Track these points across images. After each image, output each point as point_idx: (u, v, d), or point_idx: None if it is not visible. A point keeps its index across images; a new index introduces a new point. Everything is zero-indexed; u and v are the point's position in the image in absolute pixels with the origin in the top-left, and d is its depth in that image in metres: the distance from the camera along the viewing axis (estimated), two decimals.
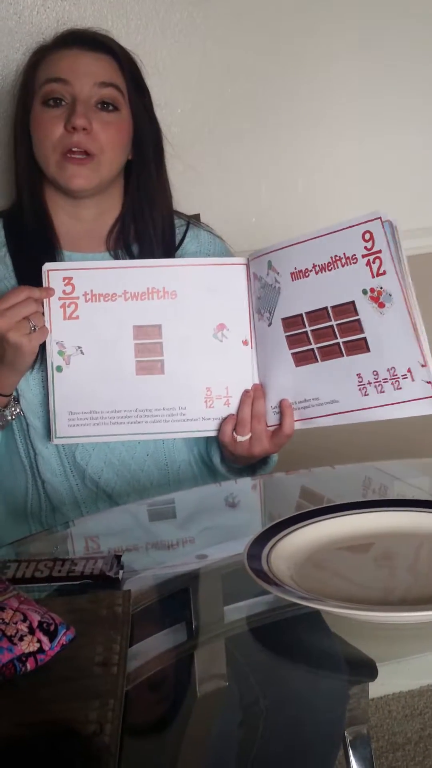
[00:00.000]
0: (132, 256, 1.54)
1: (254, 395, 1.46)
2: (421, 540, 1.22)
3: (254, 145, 2.13)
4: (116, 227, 1.56)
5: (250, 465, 1.56)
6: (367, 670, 1.08)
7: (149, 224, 1.55)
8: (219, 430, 1.47)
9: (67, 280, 1.44)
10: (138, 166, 1.55)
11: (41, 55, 1.53)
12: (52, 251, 1.51)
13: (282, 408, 1.45)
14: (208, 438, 1.56)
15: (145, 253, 1.54)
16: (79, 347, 1.45)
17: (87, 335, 1.45)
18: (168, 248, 1.56)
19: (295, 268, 1.41)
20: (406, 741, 2.09)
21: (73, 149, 1.45)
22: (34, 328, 1.39)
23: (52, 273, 1.44)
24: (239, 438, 1.46)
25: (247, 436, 1.46)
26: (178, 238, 1.59)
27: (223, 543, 1.38)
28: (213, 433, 1.48)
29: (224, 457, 1.55)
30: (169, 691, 1.03)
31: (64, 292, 1.44)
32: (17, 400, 1.47)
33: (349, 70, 2.16)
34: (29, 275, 1.46)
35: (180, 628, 1.15)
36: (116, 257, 1.55)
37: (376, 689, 2.03)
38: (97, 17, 1.94)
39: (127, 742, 0.83)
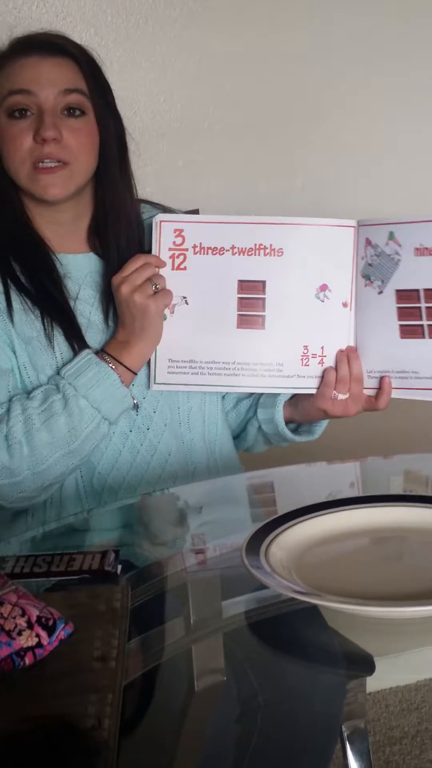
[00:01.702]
0: (109, 252, 1.54)
1: (350, 357, 1.49)
2: (418, 535, 1.22)
3: (253, 139, 2.13)
4: (93, 227, 1.56)
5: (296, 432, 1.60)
6: (364, 664, 1.08)
7: (121, 221, 1.55)
8: (318, 391, 1.50)
9: (177, 232, 1.48)
10: (104, 164, 1.53)
11: None
12: (43, 252, 1.50)
13: (382, 385, 1.48)
14: (264, 401, 1.59)
15: (115, 250, 1.54)
16: (184, 297, 1.49)
17: (193, 286, 1.49)
18: (133, 239, 1.56)
19: (421, 245, 1.43)
20: (403, 735, 2.10)
21: (45, 160, 1.44)
22: (156, 287, 1.44)
23: (165, 224, 1.48)
24: (340, 396, 1.49)
25: (346, 395, 1.49)
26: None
27: (222, 538, 1.38)
28: (313, 391, 1.51)
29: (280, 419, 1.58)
30: (167, 686, 1.03)
31: (174, 243, 1.48)
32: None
33: (349, 63, 2.16)
34: (20, 281, 1.47)
35: (178, 622, 1.16)
36: (98, 255, 1.55)
37: (373, 684, 2.02)
38: (96, 12, 1.94)
39: (125, 737, 0.84)
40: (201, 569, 1.30)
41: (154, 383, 1.50)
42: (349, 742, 1.35)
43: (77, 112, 1.46)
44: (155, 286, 1.44)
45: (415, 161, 2.24)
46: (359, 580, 1.13)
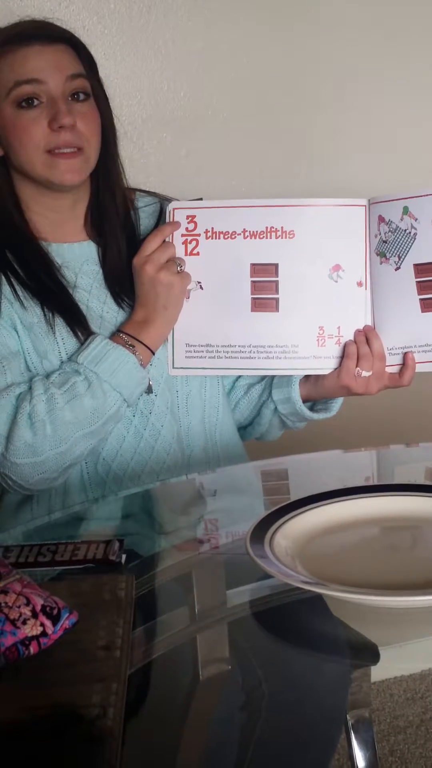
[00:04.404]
0: (107, 238, 1.54)
1: (368, 336, 1.49)
2: (424, 524, 1.22)
3: (257, 128, 2.12)
4: (90, 214, 1.55)
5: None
6: (369, 654, 1.08)
7: (117, 205, 1.55)
8: (341, 366, 1.49)
9: (190, 218, 1.49)
10: (103, 148, 1.53)
11: None
12: (35, 245, 1.50)
13: (406, 360, 1.49)
14: (278, 381, 1.58)
15: (113, 237, 1.54)
16: (199, 282, 1.50)
17: (206, 271, 1.50)
18: (129, 224, 1.56)
19: None
20: (407, 724, 2.10)
21: (62, 147, 1.44)
22: (181, 268, 1.47)
23: (177, 211, 1.50)
24: (364, 373, 1.49)
25: (370, 372, 1.49)
26: (150, 219, 1.59)
27: (226, 527, 1.38)
28: (328, 371, 1.51)
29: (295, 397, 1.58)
30: (171, 675, 1.03)
31: (186, 229, 1.49)
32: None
33: (353, 52, 2.15)
34: (18, 273, 1.47)
35: (182, 612, 1.16)
36: (96, 243, 1.55)
37: (378, 673, 2.04)
38: None
39: (129, 726, 0.84)
40: (206, 558, 1.30)
41: (173, 368, 1.52)
42: (353, 731, 1.35)
43: (83, 97, 1.46)
44: (180, 267, 1.47)
45: (420, 147, 2.23)
46: (364, 569, 1.13)
